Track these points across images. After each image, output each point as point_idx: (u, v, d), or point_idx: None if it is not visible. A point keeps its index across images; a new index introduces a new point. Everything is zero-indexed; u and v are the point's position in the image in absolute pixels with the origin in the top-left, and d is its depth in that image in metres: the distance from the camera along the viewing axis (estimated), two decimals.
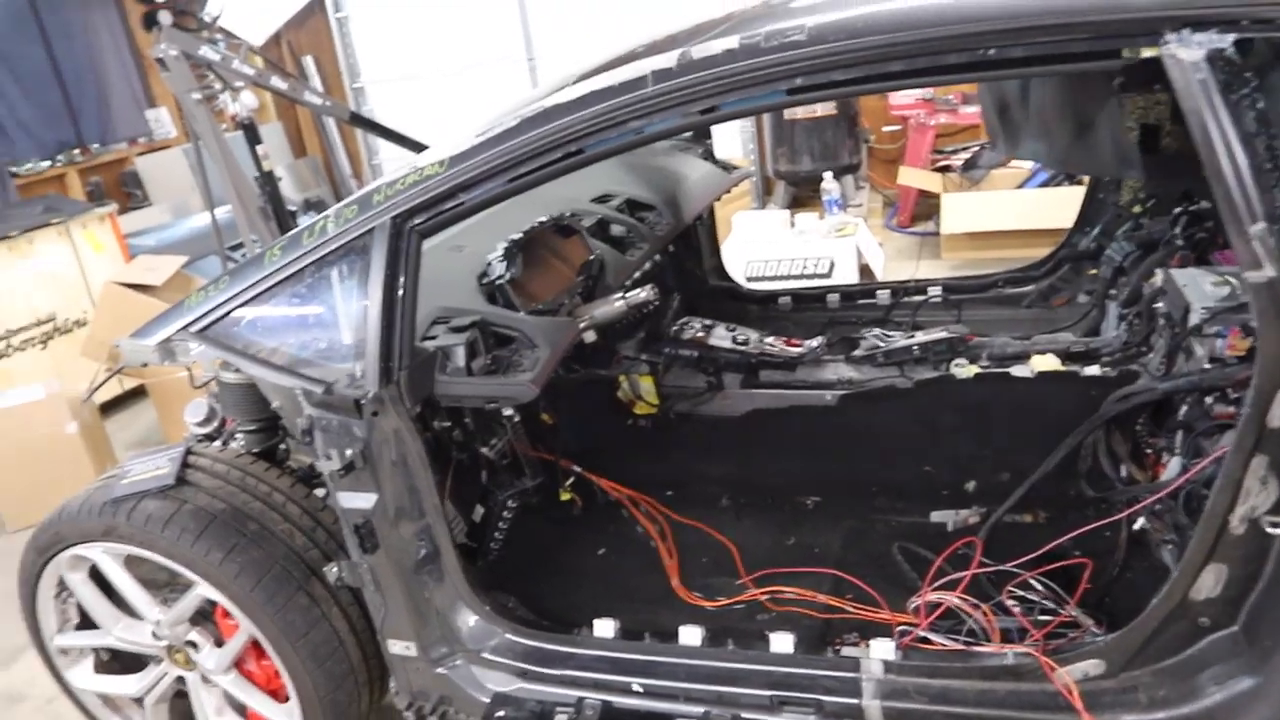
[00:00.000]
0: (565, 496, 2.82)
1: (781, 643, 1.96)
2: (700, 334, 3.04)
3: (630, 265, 2.77)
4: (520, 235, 2.54)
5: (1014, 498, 2.44)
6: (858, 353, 2.96)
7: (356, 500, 1.96)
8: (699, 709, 1.91)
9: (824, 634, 2.28)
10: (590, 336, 2.47)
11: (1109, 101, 2.10)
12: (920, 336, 2.88)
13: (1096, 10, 1.46)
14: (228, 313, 2.07)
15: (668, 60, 1.72)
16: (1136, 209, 3.20)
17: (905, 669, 1.82)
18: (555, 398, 2.78)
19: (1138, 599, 2.21)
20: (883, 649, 1.88)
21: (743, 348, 3.02)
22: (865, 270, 5.73)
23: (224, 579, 2.03)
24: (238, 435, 2.40)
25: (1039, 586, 2.15)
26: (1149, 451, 2.40)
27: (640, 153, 3.35)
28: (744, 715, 1.87)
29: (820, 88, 1.62)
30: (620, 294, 2.44)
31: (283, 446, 2.41)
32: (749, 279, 5.51)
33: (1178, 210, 2.95)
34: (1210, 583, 1.60)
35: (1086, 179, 3.41)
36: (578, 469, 2.84)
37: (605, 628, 2.10)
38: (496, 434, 2.41)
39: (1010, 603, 2.16)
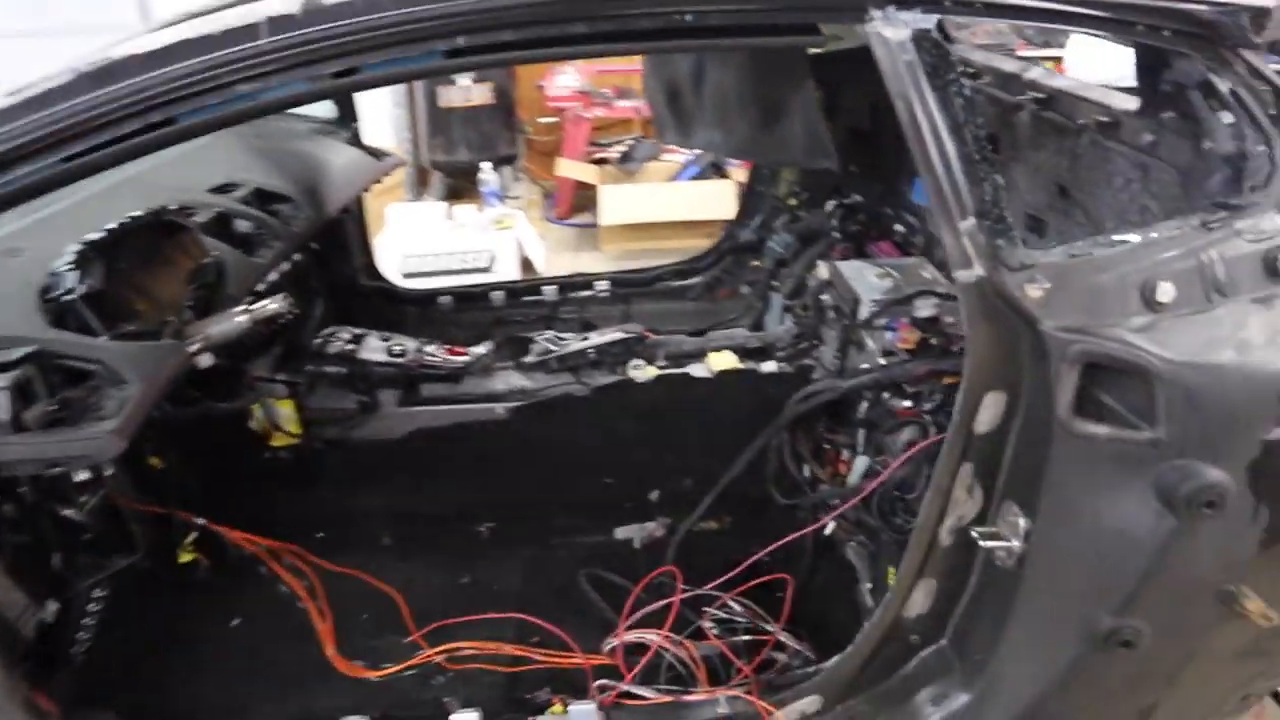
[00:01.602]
0: (186, 557, 2.26)
1: None
2: (349, 346, 2.60)
3: (259, 269, 2.27)
4: (104, 234, 1.95)
5: (700, 509, 2.31)
6: (529, 359, 2.70)
7: None
8: None
9: (510, 691, 1.99)
10: (206, 360, 1.96)
11: (802, 86, 2.00)
12: (595, 338, 2.68)
13: None
14: None
15: (290, 4, 1.31)
16: (793, 201, 3.26)
17: None
18: (165, 435, 2.21)
19: (830, 603, 2.18)
20: (584, 716, 1.62)
21: (399, 360, 2.63)
22: (526, 263, 5.56)
23: None
24: None
25: (738, 607, 2.02)
26: (828, 448, 2.38)
27: (272, 134, 2.82)
28: None
29: (487, 50, 1.30)
30: (244, 306, 1.96)
31: None
32: (406, 276, 5.07)
33: (832, 204, 3.02)
34: (921, 599, 1.52)
35: (742, 173, 3.41)
36: (201, 521, 2.29)
37: None
38: (79, 495, 1.82)
39: (709, 626, 2.02)
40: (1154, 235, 1.29)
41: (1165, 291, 1.26)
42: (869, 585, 2.19)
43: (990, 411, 1.38)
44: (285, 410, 2.47)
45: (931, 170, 1.26)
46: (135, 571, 2.04)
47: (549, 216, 6.71)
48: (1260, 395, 1.21)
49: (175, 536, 2.23)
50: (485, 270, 5.33)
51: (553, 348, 2.66)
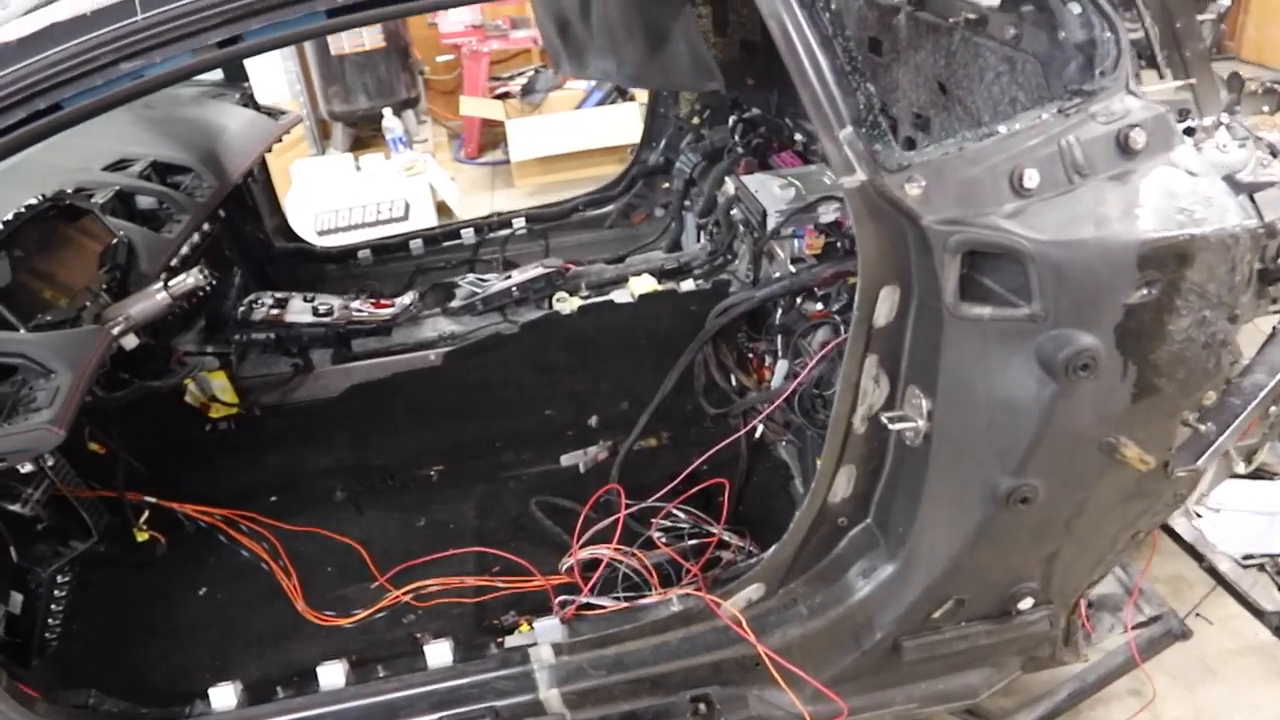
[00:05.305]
0: (142, 536, 2.30)
1: (438, 654, 1.73)
2: (274, 311, 2.61)
3: (170, 244, 2.26)
4: (1, 226, 1.93)
5: (638, 428, 2.41)
6: (455, 303, 2.74)
7: None
8: None
9: (479, 619, 2.10)
10: (131, 341, 1.97)
11: (682, 12, 2.04)
12: (517, 276, 2.73)
13: None
14: None
15: None
16: (695, 120, 3.31)
17: (576, 646, 1.69)
18: (104, 422, 2.22)
19: (768, 500, 2.32)
20: (549, 630, 1.73)
21: (326, 319, 2.65)
22: (442, 207, 5.53)
23: None
24: None
25: (682, 515, 2.14)
26: (751, 356, 2.49)
27: (161, 103, 2.77)
28: None
29: (370, 5, 1.33)
30: (161, 283, 1.97)
31: None
32: (320, 233, 5.02)
33: (733, 119, 3.08)
34: (844, 484, 1.64)
35: (644, 95, 3.43)
36: (151, 499, 2.32)
37: (224, 695, 1.71)
38: (24, 489, 1.84)
39: (657, 535, 2.14)
40: (1018, 126, 1.39)
41: (1031, 178, 1.36)
42: (800, 479, 2.33)
43: (887, 304, 1.48)
44: (219, 381, 2.48)
45: (808, 85, 1.34)
46: (95, 556, 2.08)
47: (459, 157, 6.63)
48: (1118, 264, 1.33)
49: (128, 518, 2.25)
50: (402, 219, 5.28)
51: (477, 290, 2.71)
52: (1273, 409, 1.65)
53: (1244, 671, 2.43)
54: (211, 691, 1.71)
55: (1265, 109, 2.25)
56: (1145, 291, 1.35)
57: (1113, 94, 1.42)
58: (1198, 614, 2.41)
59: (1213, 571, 2.05)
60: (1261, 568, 2.00)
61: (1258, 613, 1.94)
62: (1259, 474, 2.72)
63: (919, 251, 1.41)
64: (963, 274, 1.39)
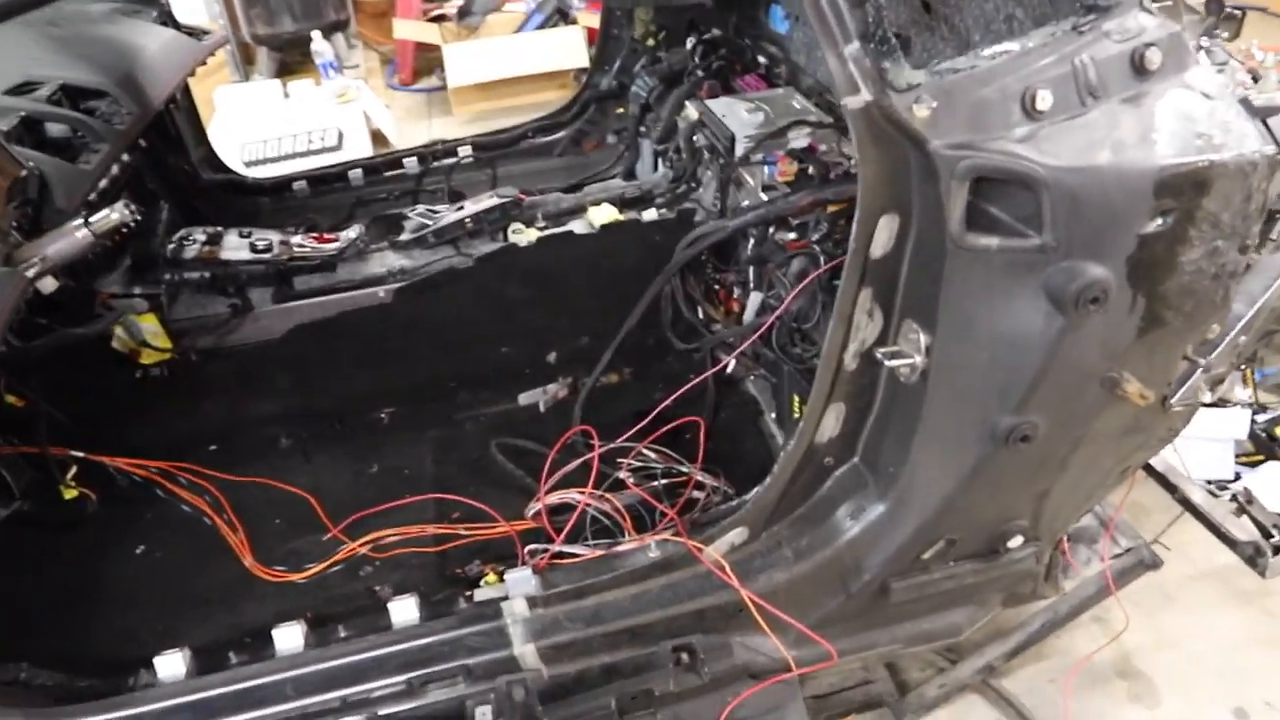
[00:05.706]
0: (70, 494, 2.13)
1: (403, 610, 1.63)
2: (207, 247, 2.42)
3: (87, 176, 2.06)
4: None
5: (602, 364, 2.32)
6: (404, 236, 2.57)
7: None
8: None
9: (441, 569, 2.00)
10: (49, 284, 1.79)
11: None
12: (470, 206, 2.57)
13: None
14: None
15: None
16: (651, 42, 3.14)
17: (551, 598, 1.61)
18: (22, 372, 2.04)
19: (738, 437, 2.25)
20: (521, 582, 1.64)
21: (265, 255, 2.47)
22: (377, 135, 5.30)
23: None
24: None
25: (652, 455, 2.05)
26: (719, 289, 2.40)
27: (71, 21, 2.51)
28: (382, 713, 1.53)
29: None
30: (81, 219, 1.78)
31: None
32: (247, 164, 4.75)
33: (691, 41, 2.93)
34: (832, 423, 1.57)
35: (589, 19, 3.22)
36: (79, 454, 2.15)
37: (171, 663, 1.59)
38: None
39: (627, 476, 2.05)
40: (1031, 43, 1.29)
41: (1044, 99, 1.27)
42: (773, 415, 2.26)
43: (885, 235, 1.39)
44: (149, 325, 2.29)
45: None
46: (19, 518, 1.93)
47: (392, 83, 6.33)
48: (1135, 191, 1.25)
49: (53, 475, 2.09)
50: (335, 149, 5.04)
51: (427, 222, 2.54)
52: (1241, 338, 1.62)
53: (1201, 596, 2.47)
54: (156, 660, 1.58)
55: (1224, 34, 2.20)
56: (1160, 221, 1.28)
57: (1127, 10, 1.33)
58: (1158, 541, 2.44)
59: (1185, 502, 2.05)
60: (1234, 498, 2.01)
61: (1230, 542, 1.95)
62: (1215, 402, 2.75)
63: (922, 178, 1.31)
64: (968, 202, 1.30)
